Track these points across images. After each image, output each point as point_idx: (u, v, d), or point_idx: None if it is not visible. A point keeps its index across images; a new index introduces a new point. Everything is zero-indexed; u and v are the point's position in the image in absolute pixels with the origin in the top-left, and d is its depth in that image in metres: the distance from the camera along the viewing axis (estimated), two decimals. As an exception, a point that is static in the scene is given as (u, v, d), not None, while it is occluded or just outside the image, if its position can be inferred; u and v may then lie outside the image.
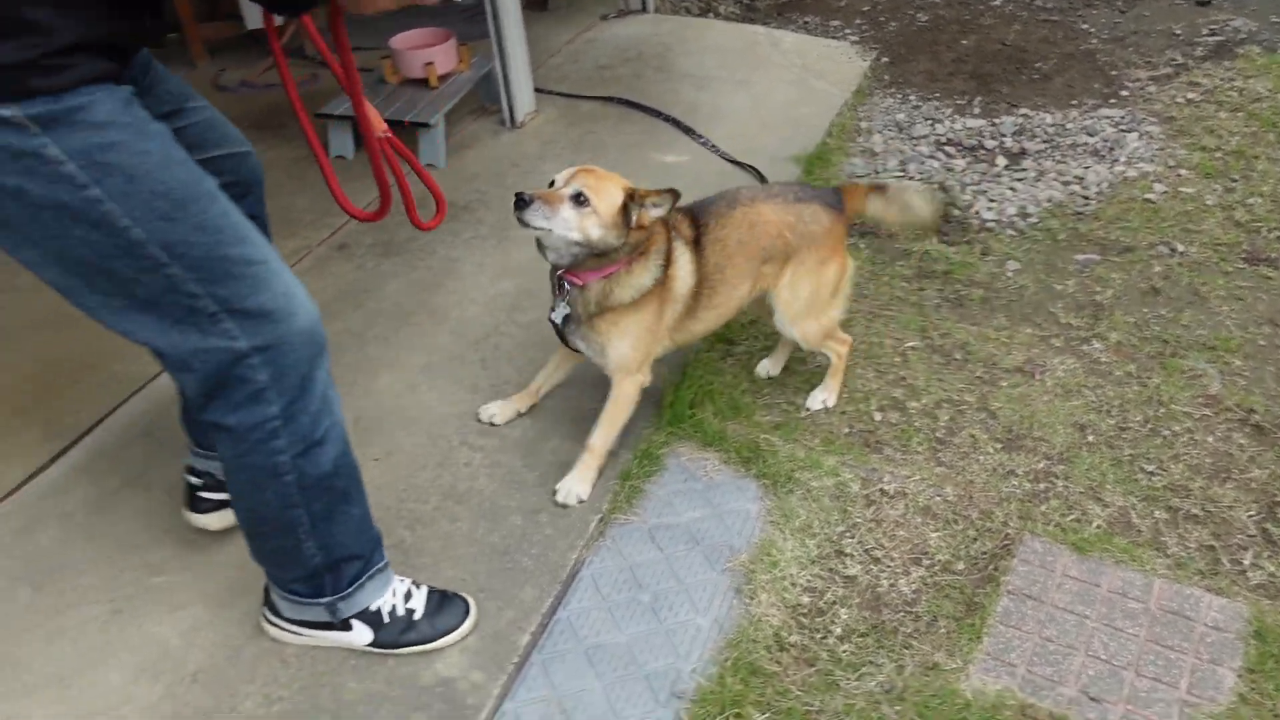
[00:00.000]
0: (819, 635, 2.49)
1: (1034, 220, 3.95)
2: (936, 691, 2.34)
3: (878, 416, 3.10)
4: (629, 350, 2.71)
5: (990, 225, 3.94)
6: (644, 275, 2.65)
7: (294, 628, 2.35)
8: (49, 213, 1.67)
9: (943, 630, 2.49)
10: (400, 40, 4.54)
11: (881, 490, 2.87)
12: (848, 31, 5.68)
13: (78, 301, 1.82)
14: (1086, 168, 4.25)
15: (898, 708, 2.32)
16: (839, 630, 2.50)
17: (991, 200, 4.09)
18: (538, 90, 4.79)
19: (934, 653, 2.44)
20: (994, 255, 3.78)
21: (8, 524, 2.66)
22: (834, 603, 2.57)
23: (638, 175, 3.16)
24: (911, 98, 4.93)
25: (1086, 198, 4.06)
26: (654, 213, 2.58)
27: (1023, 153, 4.43)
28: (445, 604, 2.40)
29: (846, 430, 3.05)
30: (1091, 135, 4.48)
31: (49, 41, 1.58)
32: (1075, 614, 2.49)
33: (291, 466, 2.01)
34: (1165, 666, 2.37)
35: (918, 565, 2.66)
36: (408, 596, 2.37)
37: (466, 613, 2.40)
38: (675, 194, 2.56)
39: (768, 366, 3.25)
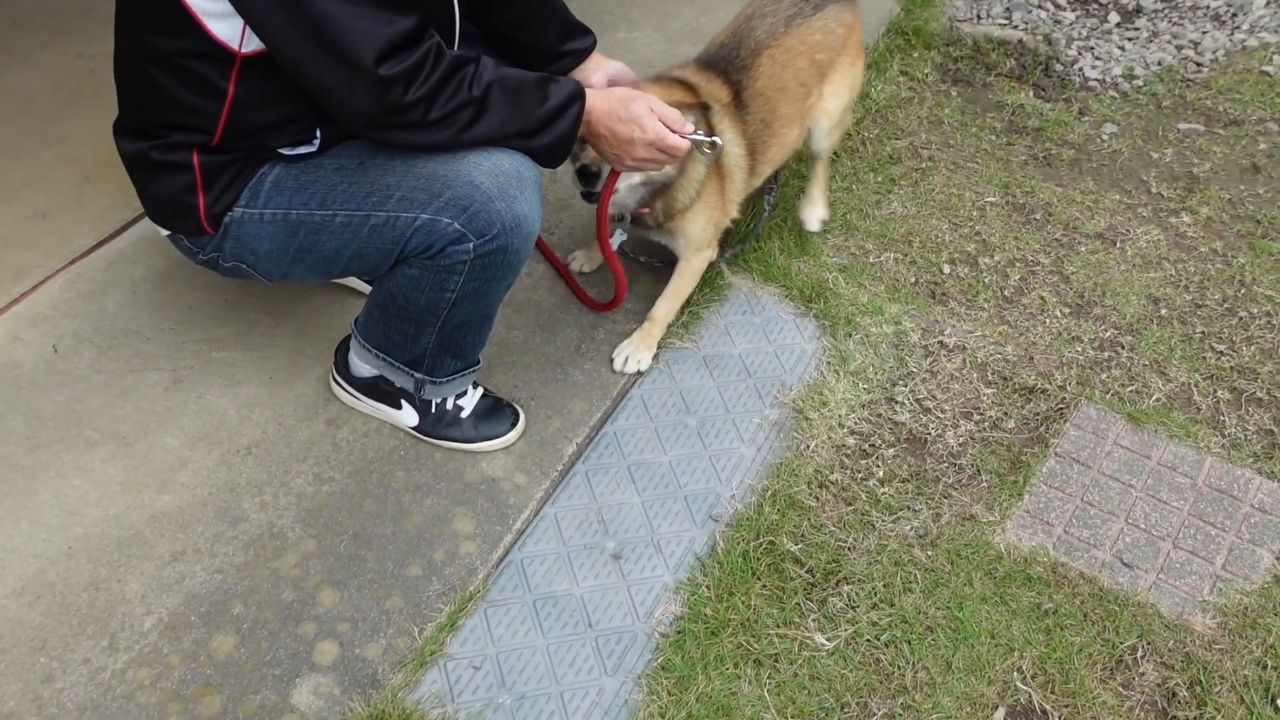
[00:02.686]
0: (860, 476, 2.50)
1: (1139, 83, 3.75)
2: (970, 541, 2.35)
3: (946, 269, 3.03)
4: (698, 233, 2.64)
5: (1093, 84, 3.75)
6: (695, 171, 2.52)
7: (354, 391, 2.42)
8: None
9: (984, 484, 2.49)
10: None
11: (941, 342, 2.83)
12: None
13: None
14: (1204, 32, 4.00)
15: (929, 552, 2.34)
16: (880, 473, 2.51)
17: (1098, 58, 3.88)
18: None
19: (972, 505, 2.44)
20: (1091, 116, 3.61)
21: (75, 287, 2.71)
22: (879, 446, 2.57)
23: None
24: (1026, -60, 4.64)
25: (1199, 64, 3.84)
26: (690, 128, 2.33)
27: (1138, 10, 4.17)
28: (494, 412, 2.43)
29: (913, 280, 2.99)
30: (1214, -2, 4.21)
31: None
32: (1121, 482, 2.47)
33: (459, 292, 2.06)
34: (1204, 541, 2.35)
35: (967, 419, 2.65)
36: (461, 394, 2.40)
37: (513, 425, 2.43)
38: (703, 105, 2.43)
39: (819, 215, 3.10)
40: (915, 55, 3.83)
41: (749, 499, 2.43)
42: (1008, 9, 4.15)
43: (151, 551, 2.19)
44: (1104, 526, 2.38)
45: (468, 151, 1.93)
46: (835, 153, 3.37)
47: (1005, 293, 2.96)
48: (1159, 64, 3.84)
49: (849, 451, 2.56)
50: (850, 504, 2.45)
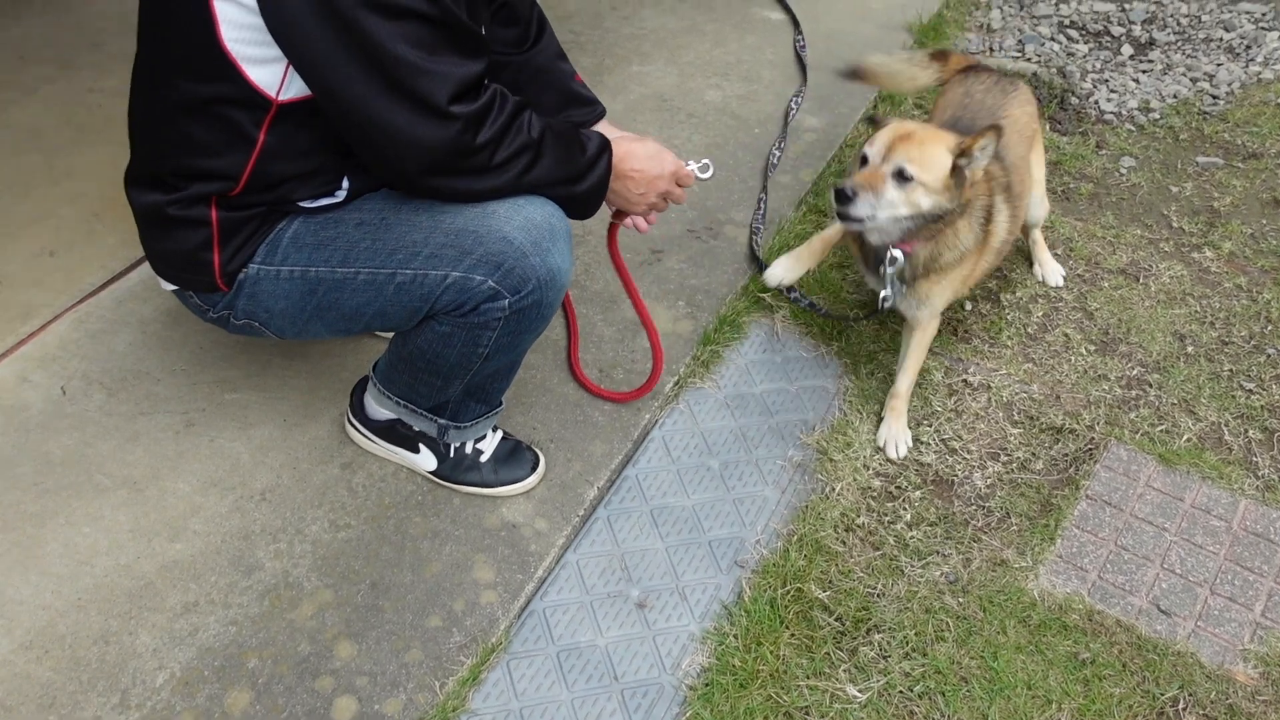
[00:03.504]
0: (887, 520, 2.45)
1: (1156, 116, 3.72)
2: (1002, 588, 2.30)
3: (968, 306, 2.98)
4: (942, 301, 2.55)
5: (1109, 117, 3.72)
6: (968, 235, 2.43)
7: (370, 435, 2.37)
8: None
9: (1014, 528, 2.44)
10: None
11: (965, 381, 2.78)
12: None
13: None
14: (1219, 65, 3.98)
15: (961, 599, 2.28)
16: (908, 517, 2.46)
17: (1113, 91, 3.86)
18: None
19: (1003, 549, 2.38)
20: (1109, 149, 3.58)
21: (84, 326, 2.66)
22: (905, 489, 2.52)
23: (744, 34, 2.99)
24: (1036, -28, 4.62)
25: (1215, 97, 3.81)
26: (981, 160, 2.31)
27: (1151, 43, 4.15)
28: (514, 455, 2.38)
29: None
30: (1229, 30, 4.19)
31: None
32: (1154, 525, 2.42)
33: (492, 347, 2.02)
34: (1242, 587, 2.30)
35: (995, 460, 2.59)
36: (481, 437, 2.35)
37: (533, 469, 2.38)
38: (998, 130, 2.28)
39: (1060, 270, 3.05)
40: (931, 90, 3.79)
41: (774, 544, 2.37)
42: (1020, 42, 4.13)
43: (163, 602, 2.13)
44: (1139, 572, 2.33)
45: (496, 205, 1.88)
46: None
47: (1029, 330, 2.92)
48: (1175, 96, 3.81)
49: (875, 494, 2.51)
50: (878, 549, 2.39)
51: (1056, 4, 4.40)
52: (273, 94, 1.75)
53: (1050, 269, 3.07)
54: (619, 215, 2.27)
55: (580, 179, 1.95)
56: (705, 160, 2.24)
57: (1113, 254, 3.15)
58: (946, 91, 2.80)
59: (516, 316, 1.94)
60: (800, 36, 3.93)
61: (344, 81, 1.68)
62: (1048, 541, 2.39)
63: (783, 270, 2.71)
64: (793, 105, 3.58)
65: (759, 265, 3.00)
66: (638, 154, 2.08)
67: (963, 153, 2.28)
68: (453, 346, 2.00)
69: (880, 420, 2.64)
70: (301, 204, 1.96)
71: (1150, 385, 2.76)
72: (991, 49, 4.10)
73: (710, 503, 2.44)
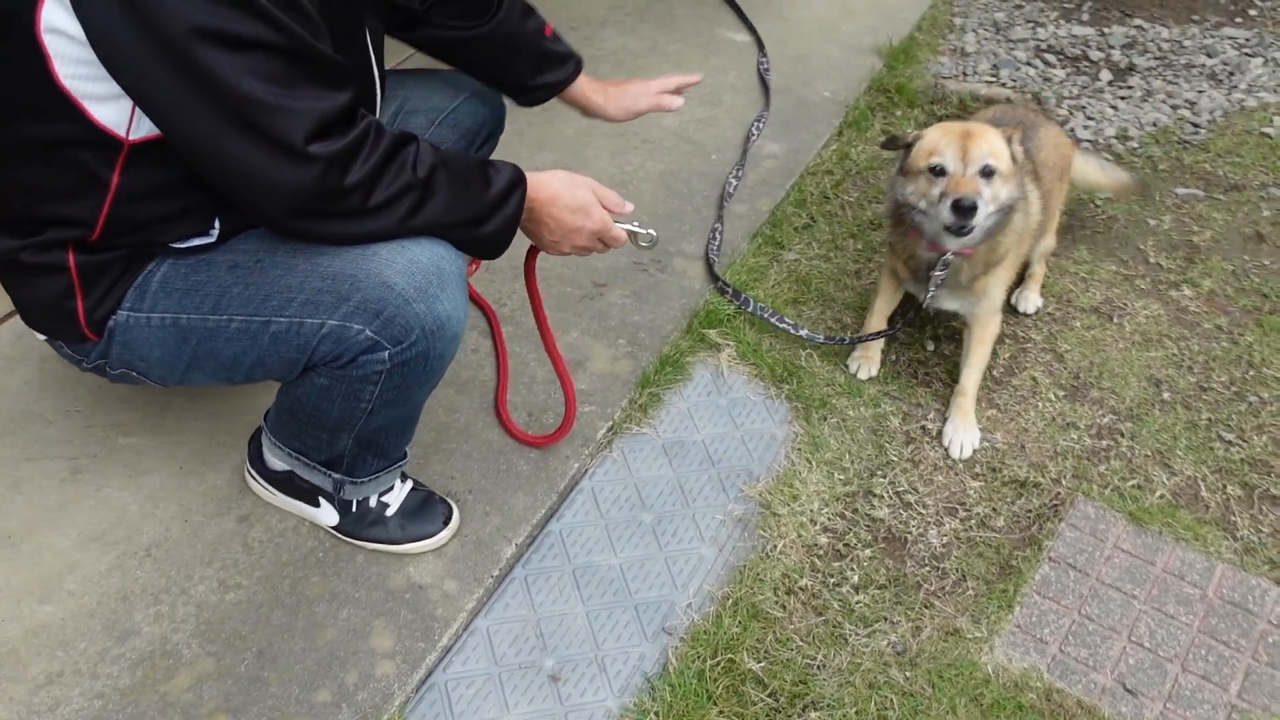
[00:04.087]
0: (833, 582, 2.26)
1: (1134, 145, 3.55)
2: (954, 660, 2.10)
3: (930, 346, 2.80)
4: (1000, 294, 2.54)
5: (1085, 146, 3.54)
6: (1020, 218, 2.43)
7: (269, 486, 2.18)
8: None
9: (970, 592, 2.24)
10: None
11: (923, 428, 2.59)
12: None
13: None
14: (1200, 92, 3.81)
15: (908, 673, 2.09)
16: (855, 578, 2.26)
17: (1089, 118, 3.68)
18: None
19: (957, 616, 2.19)
20: (1084, 179, 3.40)
21: (-20, 362, 2.48)
22: (854, 546, 2.32)
23: (707, 56, 2.81)
24: (1014, -4, 4.47)
25: (1196, 125, 3.64)
26: (1018, 148, 2.37)
27: (1131, 68, 3.98)
28: (424, 508, 2.18)
29: (894, 358, 2.76)
30: (1211, 56, 4.02)
31: None
32: (1122, 592, 2.22)
33: (375, 402, 1.84)
34: (1216, 664, 2.10)
35: (952, 516, 2.40)
36: (387, 489, 2.16)
37: (445, 522, 2.18)
38: (1025, 121, 2.40)
39: (1038, 302, 2.93)
40: (899, 114, 3.62)
41: (707, 608, 2.18)
42: (994, 66, 3.96)
43: (25, 672, 1.93)
44: (1104, 645, 2.13)
45: (379, 246, 1.69)
46: (812, 218, 3.16)
47: (994, 373, 2.73)
48: (1154, 125, 3.64)
49: (821, 552, 2.31)
50: (821, 614, 2.20)
51: (1033, 28, 4.23)
52: (121, 133, 1.57)
53: (1031, 297, 2.90)
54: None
55: (484, 220, 1.76)
56: (650, 231, 2.05)
57: (1085, 291, 2.97)
58: (982, 113, 2.82)
59: (400, 369, 1.75)
60: (765, 59, 3.76)
61: (190, 122, 1.49)
62: (1005, 609, 2.20)
63: (861, 361, 2.70)
64: (754, 130, 3.41)
65: (717, 284, 2.87)
66: (561, 201, 1.89)
67: (1010, 139, 2.35)
68: (333, 401, 1.81)
69: (945, 420, 2.57)
70: (171, 244, 1.77)
71: (1122, 435, 2.57)
72: (965, 73, 3.93)
73: (640, 561, 2.25)
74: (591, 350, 2.65)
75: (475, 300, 2.73)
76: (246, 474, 2.23)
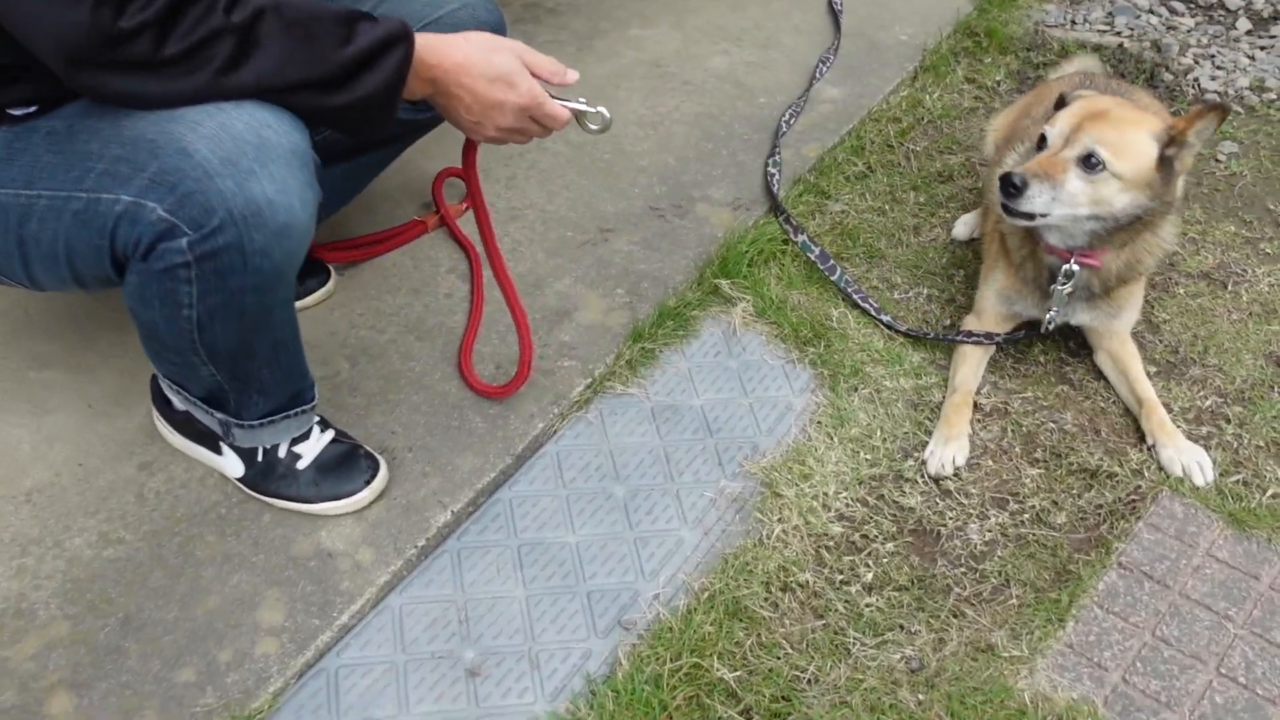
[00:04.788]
0: (840, 579, 1.82)
1: (1272, 97, 2.99)
2: (982, 683, 1.65)
3: (994, 310, 2.32)
4: (1137, 314, 2.16)
5: (1210, 96, 3.00)
6: (1171, 235, 2.06)
7: (171, 428, 1.89)
8: None
9: (1013, 601, 1.78)
10: None
11: (976, 403, 2.13)
12: None
13: None
14: (1360, 41, 3.21)
15: (922, 695, 1.64)
16: (869, 577, 1.83)
17: (1219, 67, 3.13)
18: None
19: (992, 629, 1.73)
20: (1205, 132, 2.86)
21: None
22: (873, 539, 1.89)
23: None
24: (1139, -57, 3.92)
25: (1352, 76, 3.06)
26: (1195, 148, 1.91)
27: (1276, 17, 3.40)
28: (346, 463, 1.84)
29: (949, 321, 2.30)
30: (1375, 2, 3.41)
31: None
32: (1213, 611, 1.73)
33: (197, 309, 1.50)
34: (1338, 712, 1.59)
35: (1001, 509, 1.94)
36: (303, 436, 1.82)
37: (368, 482, 1.83)
38: (1223, 110, 1.89)
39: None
40: (987, 60, 3.15)
41: (678, 601, 1.77)
42: (1109, 14, 3.44)
43: None
44: (1184, 677, 1.64)
45: (192, 108, 1.35)
46: (869, 167, 2.72)
47: (1069, 342, 2.24)
48: (1299, 75, 3.07)
49: (831, 543, 1.88)
50: (821, 616, 1.77)
51: (1159, -25, 3.68)
52: None
53: None
54: None
55: (336, 83, 1.40)
56: (601, 109, 1.67)
57: (1195, 255, 2.45)
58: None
59: (211, 265, 1.40)
60: (837, -3, 3.33)
61: None
62: (1055, 623, 1.73)
63: (955, 449, 2.01)
64: (819, 69, 2.98)
65: (773, 201, 2.51)
66: (473, 68, 1.53)
67: (1173, 139, 1.87)
68: (152, 307, 1.48)
69: (1151, 444, 2.01)
70: (10, 111, 1.47)
71: (1228, 421, 2.06)
72: (1074, 22, 3.41)
73: (602, 541, 1.86)
74: (583, 299, 2.27)
75: (458, 239, 2.38)
76: (154, 415, 1.93)
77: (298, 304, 2.03)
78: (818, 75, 2.98)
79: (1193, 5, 3.51)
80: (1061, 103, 2.02)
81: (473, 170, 1.85)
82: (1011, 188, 1.86)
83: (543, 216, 2.49)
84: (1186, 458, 1.95)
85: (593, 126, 1.68)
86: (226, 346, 1.56)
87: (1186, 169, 1.95)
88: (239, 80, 1.34)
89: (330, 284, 2.25)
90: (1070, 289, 2.03)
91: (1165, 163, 1.89)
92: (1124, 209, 1.91)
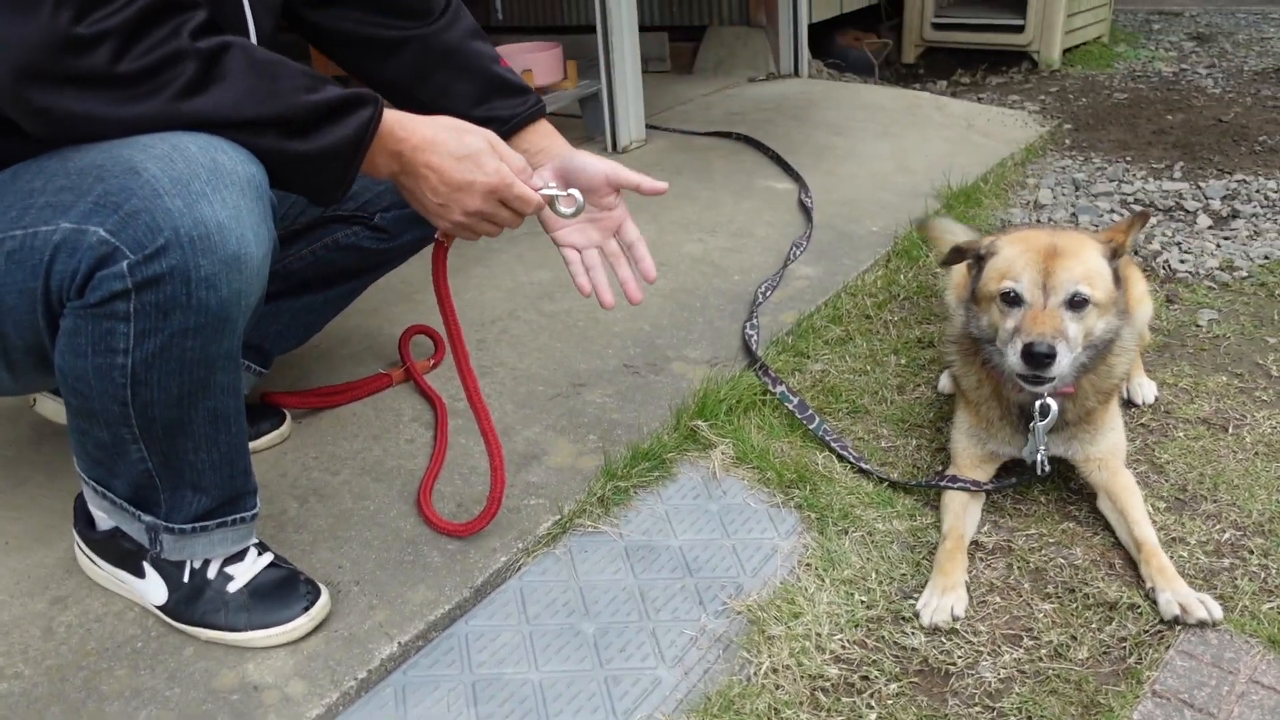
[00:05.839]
0: (840, 720, 1.60)
1: (1243, 274, 3.00)
2: (1014, 827, 1.40)
3: (989, 457, 2.20)
4: (1120, 427, 2.06)
5: (1182, 276, 3.02)
6: (1131, 340, 2.05)
7: (91, 554, 1.70)
8: None
9: (1039, 737, 1.55)
10: (504, 49, 4.08)
11: (976, 543, 1.97)
12: (1028, 104, 4.91)
13: None
14: (1320, 231, 3.28)
15: (944, 844, 1.39)
16: (873, 717, 1.60)
17: (1186, 252, 3.17)
18: (652, 128, 4.22)
19: (1019, 768, 1.50)
20: (1182, 303, 2.85)
21: None
22: (874, 680, 1.67)
23: (741, 200, 2.50)
24: (1095, 160, 4.09)
25: (1318, 258, 3.09)
26: (1123, 262, 1.97)
27: (1234, 214, 3.49)
28: (283, 589, 1.64)
29: (942, 467, 2.17)
30: (1329, 202, 3.52)
31: None
32: (1269, 741, 1.51)
33: (135, 355, 1.38)
34: None
35: (1014, 645, 1.74)
36: (237, 558, 1.64)
37: (305, 609, 1.63)
38: (1146, 215, 2.04)
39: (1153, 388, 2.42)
40: (958, 248, 3.17)
41: (655, 743, 1.54)
42: (1073, 214, 3.53)
43: None
44: (1244, 808, 1.41)
45: (144, 136, 1.29)
46: (848, 334, 2.67)
47: (1072, 484, 2.11)
48: (1266, 258, 3.10)
49: (828, 685, 1.67)
50: (820, 761, 1.53)
51: (1118, 184, 3.81)
52: None
53: (1144, 383, 2.39)
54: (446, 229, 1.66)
55: (299, 130, 1.35)
56: (573, 192, 1.64)
57: (1190, 403, 2.36)
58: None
59: (151, 295, 1.29)
60: (808, 197, 3.40)
61: None
62: (1089, 757, 1.50)
63: (953, 600, 1.80)
64: (794, 252, 3.00)
65: (750, 356, 2.44)
66: (442, 146, 1.49)
67: (1115, 252, 1.92)
68: (84, 355, 1.35)
69: (1150, 589, 1.80)
70: None
71: (1251, 552, 1.90)
72: (1039, 221, 3.49)
73: (568, 679, 1.64)
74: (553, 445, 2.14)
75: (424, 392, 2.28)
76: (75, 545, 1.75)
77: (250, 445, 1.90)
78: (792, 257, 2.99)
79: (1152, 208, 3.61)
80: (978, 255, 1.98)
81: (442, 272, 1.77)
82: (1045, 359, 1.78)
83: (513, 374, 2.40)
84: (1180, 597, 1.74)
85: (565, 210, 1.62)
86: (162, 413, 1.41)
87: (1122, 278, 1.96)
88: (197, 108, 1.28)
89: (285, 428, 2.12)
90: (1049, 424, 1.94)
91: (1115, 276, 1.89)
92: (1102, 334, 1.90)
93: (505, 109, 1.83)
